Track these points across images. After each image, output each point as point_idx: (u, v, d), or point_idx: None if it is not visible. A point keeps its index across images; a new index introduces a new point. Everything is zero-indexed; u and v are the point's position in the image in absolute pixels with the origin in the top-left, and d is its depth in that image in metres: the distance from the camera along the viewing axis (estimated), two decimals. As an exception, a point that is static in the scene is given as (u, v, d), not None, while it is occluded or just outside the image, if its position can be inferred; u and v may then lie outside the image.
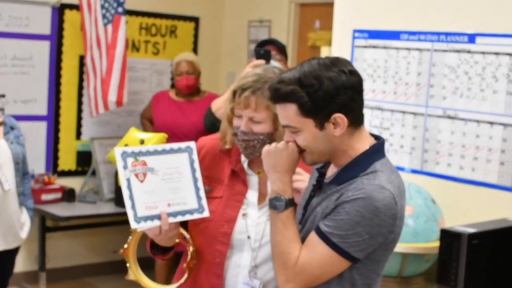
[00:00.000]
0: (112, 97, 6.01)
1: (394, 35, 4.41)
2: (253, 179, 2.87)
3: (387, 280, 3.82)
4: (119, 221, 6.51)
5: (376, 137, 2.57)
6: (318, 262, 2.42)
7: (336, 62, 2.46)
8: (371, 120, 4.52)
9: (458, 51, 4.12)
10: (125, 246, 2.88)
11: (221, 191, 2.87)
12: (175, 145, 2.75)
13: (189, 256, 2.84)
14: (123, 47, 5.98)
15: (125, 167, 2.68)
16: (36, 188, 6.26)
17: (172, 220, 2.71)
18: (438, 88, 4.20)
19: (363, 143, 2.51)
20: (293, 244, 2.47)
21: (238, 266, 2.84)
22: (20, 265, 6.64)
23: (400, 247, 3.64)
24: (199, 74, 6.25)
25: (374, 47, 4.51)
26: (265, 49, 4.48)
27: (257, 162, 2.85)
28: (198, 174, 2.76)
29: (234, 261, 2.84)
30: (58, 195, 6.38)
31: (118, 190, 6.33)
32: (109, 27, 5.97)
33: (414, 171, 4.32)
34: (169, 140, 6.21)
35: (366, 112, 4.52)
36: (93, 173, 6.65)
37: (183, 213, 2.74)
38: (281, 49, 5.07)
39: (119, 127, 6.94)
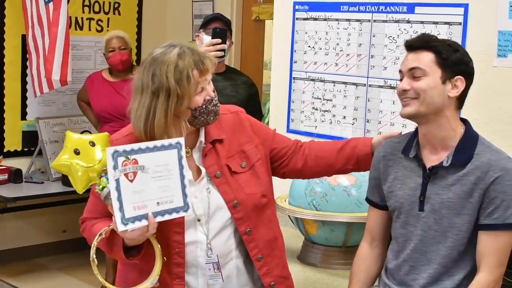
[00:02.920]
0: (55, 76, 5.95)
1: (334, 6, 4.43)
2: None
3: (333, 250, 3.85)
4: (68, 200, 6.49)
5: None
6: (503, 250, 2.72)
7: None
8: (314, 92, 4.55)
9: (397, 21, 4.15)
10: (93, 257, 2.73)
11: None
12: (165, 142, 2.65)
13: (159, 254, 2.75)
14: (65, 25, 5.92)
15: (115, 167, 2.57)
16: (-18, 170, 6.22)
17: (159, 219, 2.65)
18: (378, 58, 4.24)
19: (458, 122, 2.81)
20: None
21: (195, 243, 2.85)
22: (-31, 248, 6.61)
23: (345, 216, 3.69)
24: (131, 51, 6.21)
25: (315, 19, 4.53)
26: (221, 28, 4.51)
27: (187, 141, 2.82)
28: (186, 170, 2.69)
29: (190, 242, 2.83)
30: (5, 176, 6.31)
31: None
32: (51, 5, 5.90)
33: (357, 142, 4.36)
34: (110, 123, 6.20)
35: (308, 84, 4.57)
36: (40, 153, 6.60)
37: (170, 211, 2.67)
38: (227, 24, 5.06)
39: (64, 106, 6.90)
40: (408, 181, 2.83)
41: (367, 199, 3.07)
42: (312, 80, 4.55)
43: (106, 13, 7.21)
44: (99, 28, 7.17)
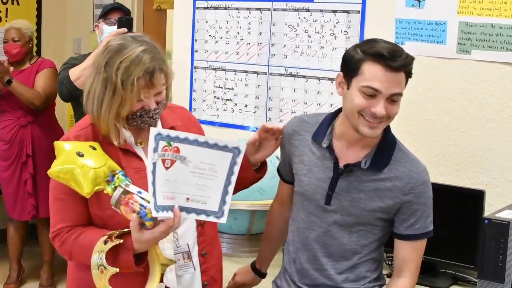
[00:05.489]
0: (-50, 68, 5.81)
1: (234, -5, 4.45)
2: (140, 151, 2.72)
3: (237, 238, 3.88)
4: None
5: None
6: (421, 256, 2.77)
7: None
8: (215, 81, 4.55)
9: (297, 9, 4.18)
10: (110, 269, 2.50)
11: None
12: (221, 141, 2.51)
13: (158, 262, 2.60)
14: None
15: (155, 150, 2.45)
16: None
17: (184, 215, 2.52)
18: (279, 47, 4.27)
19: None
20: None
21: None
22: None
23: (247, 204, 3.70)
24: (28, 41, 6.03)
25: (215, 8, 4.53)
26: (127, 17, 4.48)
27: (139, 133, 2.71)
28: (234, 178, 2.54)
29: None
30: None
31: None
32: None
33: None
34: (6, 113, 6.02)
35: (209, 73, 4.56)
36: None
37: (198, 211, 2.53)
38: (127, 14, 5.02)
39: (-38, 99, 6.73)
40: (316, 169, 2.74)
41: (278, 171, 2.97)
42: (214, 69, 4.55)
43: (4, 3, 7.04)
44: (-3, 19, 7.02)
